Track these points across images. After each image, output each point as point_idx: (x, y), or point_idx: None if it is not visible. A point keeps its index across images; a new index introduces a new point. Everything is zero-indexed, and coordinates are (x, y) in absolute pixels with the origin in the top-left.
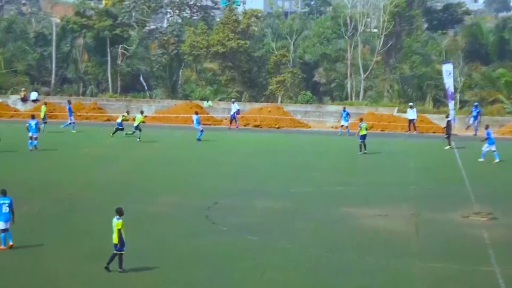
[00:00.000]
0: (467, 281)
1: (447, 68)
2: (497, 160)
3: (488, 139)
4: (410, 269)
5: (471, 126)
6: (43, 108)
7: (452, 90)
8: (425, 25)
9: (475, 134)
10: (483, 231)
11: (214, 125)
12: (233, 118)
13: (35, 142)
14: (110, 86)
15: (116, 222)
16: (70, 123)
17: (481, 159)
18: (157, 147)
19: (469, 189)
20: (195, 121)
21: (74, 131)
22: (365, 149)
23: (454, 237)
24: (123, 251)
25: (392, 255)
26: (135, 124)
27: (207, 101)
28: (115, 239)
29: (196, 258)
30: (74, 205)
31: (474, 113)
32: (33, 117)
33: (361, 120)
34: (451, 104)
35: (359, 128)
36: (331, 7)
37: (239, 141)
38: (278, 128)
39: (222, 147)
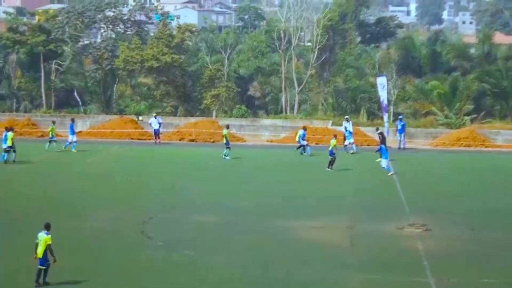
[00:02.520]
0: None
1: (381, 81)
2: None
3: (382, 152)
4: (347, 280)
5: (399, 139)
6: (52, 126)
7: (386, 103)
8: (358, 39)
9: (401, 148)
10: (418, 243)
11: (149, 139)
12: (156, 133)
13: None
14: (44, 101)
15: (45, 237)
16: (70, 143)
17: (391, 172)
18: (92, 162)
19: (404, 201)
20: (301, 136)
21: (74, 150)
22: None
23: (389, 248)
24: (45, 266)
25: (330, 267)
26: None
27: (140, 117)
28: (40, 253)
29: (132, 273)
30: (8, 222)
31: (399, 126)
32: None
33: (335, 136)
34: (385, 117)
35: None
36: (265, 21)
37: (174, 156)
38: (213, 142)
39: (156, 162)
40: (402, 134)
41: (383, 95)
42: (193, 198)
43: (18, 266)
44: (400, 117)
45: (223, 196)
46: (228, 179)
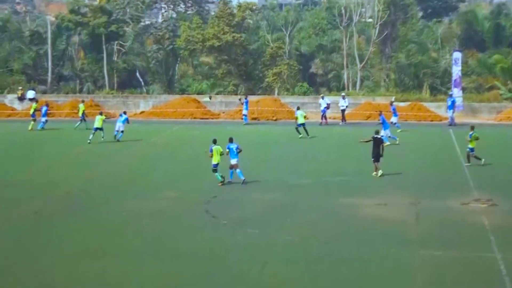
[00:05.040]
0: (468, 268)
1: (456, 56)
2: (387, 143)
3: (383, 124)
4: (411, 257)
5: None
6: (82, 106)
7: (458, 78)
8: (420, 14)
9: (451, 124)
10: (483, 218)
11: (212, 119)
12: (323, 114)
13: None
14: (106, 82)
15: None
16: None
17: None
18: (155, 142)
19: (468, 176)
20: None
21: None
22: (307, 134)
23: (454, 224)
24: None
25: (393, 244)
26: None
27: (210, 97)
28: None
29: (197, 252)
30: (72, 203)
31: (449, 103)
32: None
33: (298, 108)
34: (458, 91)
35: (296, 116)
36: None
37: (236, 135)
38: (276, 120)
39: (219, 141)
40: (452, 110)
41: (456, 70)
42: (256, 177)
43: (84, 247)
44: (450, 93)
45: (286, 174)
46: (290, 157)
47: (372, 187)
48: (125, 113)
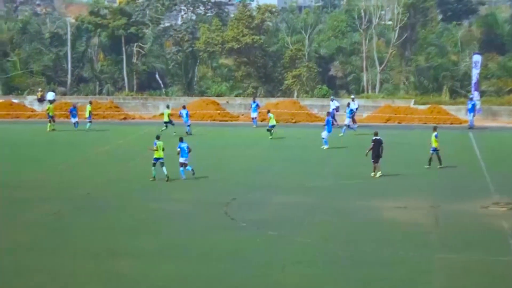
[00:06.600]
0: (488, 272)
1: (476, 59)
2: (326, 147)
3: (327, 126)
4: (430, 260)
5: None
6: (88, 107)
7: (476, 80)
8: (440, 16)
9: (471, 127)
10: (503, 222)
11: (231, 121)
12: (332, 116)
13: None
14: (126, 84)
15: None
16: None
17: (324, 147)
18: (174, 144)
19: (488, 180)
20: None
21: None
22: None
23: (473, 227)
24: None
25: (412, 247)
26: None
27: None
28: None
29: (217, 253)
30: (92, 204)
31: (469, 106)
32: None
33: (268, 111)
34: (477, 95)
35: (269, 118)
36: (345, 0)
37: (255, 137)
38: (295, 122)
39: (238, 143)
40: (472, 114)
41: (475, 73)
42: (275, 179)
43: (104, 247)
44: (471, 96)
45: (304, 177)
46: (309, 160)
47: (391, 190)
48: (184, 107)
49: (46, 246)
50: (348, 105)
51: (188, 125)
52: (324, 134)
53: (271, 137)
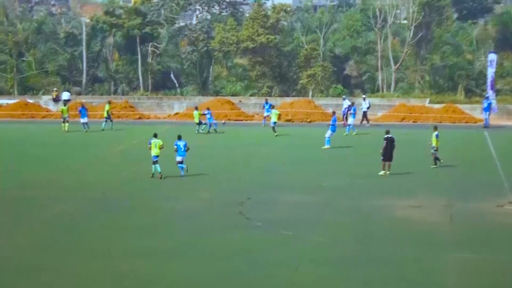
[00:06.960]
0: (503, 271)
1: (491, 58)
2: (327, 146)
3: (332, 126)
4: (444, 259)
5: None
6: (107, 106)
7: (491, 79)
8: (455, 15)
9: (486, 126)
10: None
11: (246, 120)
12: (344, 115)
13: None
14: (141, 84)
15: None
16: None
17: (325, 146)
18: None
19: (503, 178)
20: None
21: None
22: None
23: (488, 226)
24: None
25: (426, 246)
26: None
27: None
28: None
29: (232, 252)
30: (108, 204)
31: (485, 105)
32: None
33: (272, 107)
34: (492, 94)
35: (271, 114)
36: (360, 0)
37: (269, 136)
38: (310, 122)
39: (252, 142)
40: (487, 113)
41: (491, 72)
42: (289, 178)
43: (119, 247)
44: (487, 95)
45: (319, 176)
46: (324, 159)
47: (406, 189)
48: (208, 109)
49: (62, 245)
50: (353, 104)
51: (215, 123)
52: (328, 133)
53: (276, 134)
